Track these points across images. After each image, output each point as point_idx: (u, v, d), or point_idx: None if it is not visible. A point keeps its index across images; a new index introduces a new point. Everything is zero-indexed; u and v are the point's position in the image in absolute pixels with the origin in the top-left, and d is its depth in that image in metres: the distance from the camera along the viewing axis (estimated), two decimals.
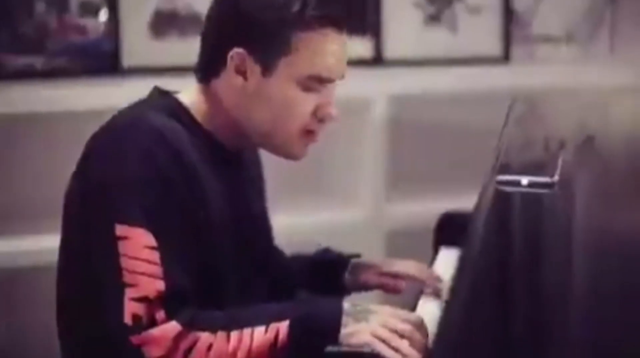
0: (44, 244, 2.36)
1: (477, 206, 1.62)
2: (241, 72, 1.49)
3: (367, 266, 1.73)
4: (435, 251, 1.95)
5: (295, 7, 1.47)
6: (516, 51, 2.93)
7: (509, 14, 2.91)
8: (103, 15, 2.55)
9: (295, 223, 2.23)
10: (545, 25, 2.95)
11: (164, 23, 2.60)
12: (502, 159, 1.69)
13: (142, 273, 1.38)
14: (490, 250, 1.43)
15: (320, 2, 1.48)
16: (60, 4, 2.52)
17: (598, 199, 1.64)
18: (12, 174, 2.54)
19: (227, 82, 1.50)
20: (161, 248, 1.40)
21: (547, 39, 2.96)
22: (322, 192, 2.73)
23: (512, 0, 2.91)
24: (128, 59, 2.56)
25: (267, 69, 1.48)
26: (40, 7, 2.50)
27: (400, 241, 2.62)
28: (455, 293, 1.39)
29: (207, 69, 1.53)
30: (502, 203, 1.54)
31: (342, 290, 1.72)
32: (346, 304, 1.43)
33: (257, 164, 1.69)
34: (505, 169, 1.61)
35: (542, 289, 1.31)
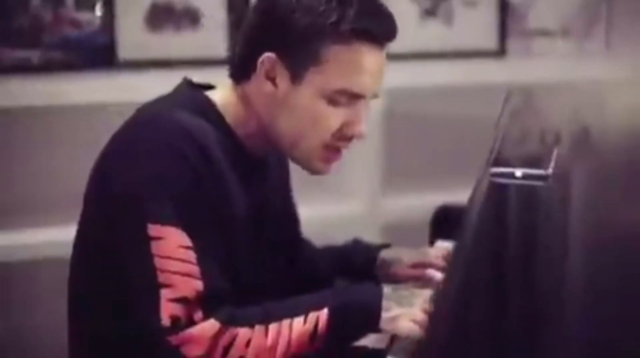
0: (42, 238, 2.37)
1: (471, 199, 1.61)
2: (270, 77, 1.46)
3: (397, 259, 1.69)
4: (431, 245, 1.95)
5: (332, 19, 1.42)
6: (512, 44, 2.93)
7: (504, 8, 2.91)
8: (99, 9, 2.55)
9: None
10: (541, 19, 2.95)
11: (160, 17, 2.60)
12: (497, 151, 1.69)
13: (179, 273, 1.36)
14: (484, 242, 1.43)
15: (358, 16, 1.43)
16: None
17: (593, 192, 1.64)
18: (8, 168, 2.54)
19: (257, 86, 1.47)
20: (196, 246, 1.37)
21: (543, 33, 2.96)
22: (318, 186, 2.71)
23: None
24: (124, 53, 2.56)
25: (295, 77, 1.44)
26: (35, 1, 2.50)
27: (396, 235, 2.61)
28: (448, 286, 1.39)
29: (240, 70, 1.50)
30: (496, 195, 1.54)
31: (372, 281, 1.68)
32: (387, 288, 1.41)
33: (282, 163, 1.64)
34: (499, 161, 1.61)
35: (537, 282, 1.30)
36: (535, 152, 1.72)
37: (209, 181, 1.41)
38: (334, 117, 1.46)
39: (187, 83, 1.54)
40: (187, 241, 1.37)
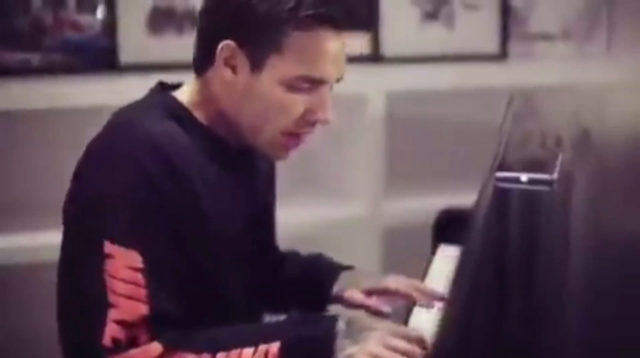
0: (42, 240, 2.36)
1: (477, 203, 1.61)
2: (230, 65, 1.44)
3: (355, 282, 1.64)
4: (434, 248, 1.95)
5: (290, 4, 1.41)
6: (513, 48, 2.93)
7: (506, 11, 2.91)
8: (100, 12, 2.55)
9: (292, 219, 2.21)
10: (542, 23, 2.95)
11: (161, 20, 2.60)
12: (501, 156, 1.69)
13: (125, 296, 1.34)
14: (490, 247, 1.43)
15: (317, 2, 1.41)
16: (56, 0, 2.51)
17: (597, 196, 1.64)
18: (8, 170, 2.54)
19: (217, 75, 1.46)
20: (147, 269, 1.35)
21: (544, 36, 2.96)
22: (319, 189, 2.72)
23: None
24: (125, 56, 2.56)
25: (255, 65, 1.43)
26: (36, 3, 2.50)
27: (397, 239, 2.61)
28: (454, 292, 1.38)
29: (202, 61, 1.48)
30: (501, 200, 1.54)
31: (327, 301, 1.65)
32: (342, 322, 1.36)
33: (268, 160, 1.61)
34: (504, 166, 1.61)
35: (542, 287, 1.30)
36: (539, 156, 1.72)
37: (176, 198, 1.39)
38: (296, 104, 1.45)
39: (158, 86, 1.54)
40: (138, 263, 1.35)
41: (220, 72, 1.45)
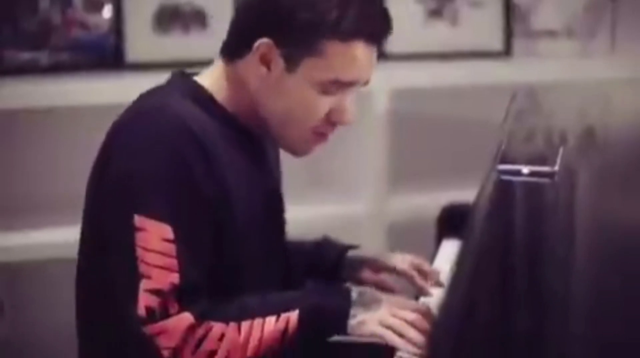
0: (53, 237, 2.38)
1: (479, 196, 1.62)
2: (265, 62, 1.49)
3: (364, 262, 1.71)
4: (438, 244, 1.96)
5: (332, 16, 1.46)
6: (517, 45, 2.93)
7: (510, 8, 2.91)
8: (107, 11, 2.57)
9: (297, 216, 2.22)
10: (546, 20, 2.96)
11: (168, 18, 2.61)
12: (504, 149, 1.70)
13: (157, 266, 1.39)
14: (491, 240, 1.44)
15: (358, 18, 1.47)
16: (64, 0, 2.53)
17: (599, 190, 1.65)
18: (15, 169, 2.55)
19: (250, 67, 1.50)
20: (179, 241, 1.40)
21: (548, 34, 2.97)
22: (324, 185, 2.73)
23: None
24: (132, 55, 2.57)
25: (290, 65, 1.48)
26: (44, 3, 2.51)
27: (402, 234, 2.62)
28: (455, 284, 1.39)
29: (234, 50, 1.53)
30: (503, 191, 1.55)
31: (339, 281, 1.71)
32: (354, 293, 1.45)
33: (275, 147, 1.66)
34: (506, 158, 1.62)
35: (544, 279, 1.31)
36: (541, 150, 1.73)
37: (205, 178, 1.44)
38: (323, 105, 1.50)
39: (179, 73, 1.57)
40: (170, 235, 1.40)
41: (253, 66, 1.50)
